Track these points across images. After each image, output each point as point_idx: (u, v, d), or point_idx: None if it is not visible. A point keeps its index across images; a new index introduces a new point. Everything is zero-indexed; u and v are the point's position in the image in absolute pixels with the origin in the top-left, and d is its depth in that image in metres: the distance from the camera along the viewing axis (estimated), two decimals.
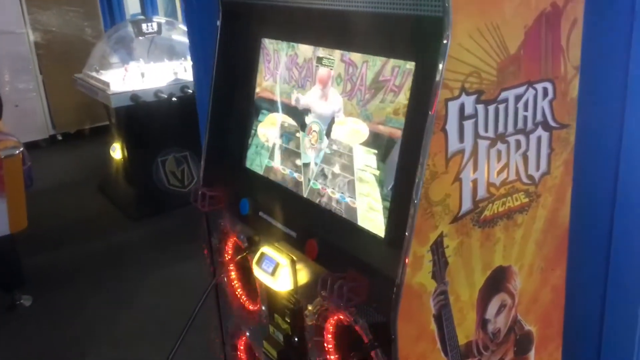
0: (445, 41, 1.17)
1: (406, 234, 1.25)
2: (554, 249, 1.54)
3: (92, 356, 2.91)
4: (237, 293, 2.00)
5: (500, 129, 1.33)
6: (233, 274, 2.00)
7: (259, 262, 1.70)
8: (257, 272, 1.71)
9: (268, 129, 1.86)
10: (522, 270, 1.49)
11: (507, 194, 1.39)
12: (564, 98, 1.41)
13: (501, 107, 1.31)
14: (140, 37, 4.54)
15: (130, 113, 4.24)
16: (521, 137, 1.37)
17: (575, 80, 1.42)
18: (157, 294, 3.36)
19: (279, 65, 1.80)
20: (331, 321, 1.55)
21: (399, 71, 1.40)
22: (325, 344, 1.57)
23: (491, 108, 1.30)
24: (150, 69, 4.53)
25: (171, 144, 4.45)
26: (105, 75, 4.44)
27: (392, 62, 1.42)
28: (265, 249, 1.70)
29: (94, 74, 4.54)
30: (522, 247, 1.47)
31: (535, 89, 1.35)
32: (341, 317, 1.49)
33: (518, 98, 1.33)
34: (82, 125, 6.35)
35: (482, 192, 1.34)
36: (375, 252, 1.43)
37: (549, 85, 1.37)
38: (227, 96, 1.98)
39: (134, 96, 4.11)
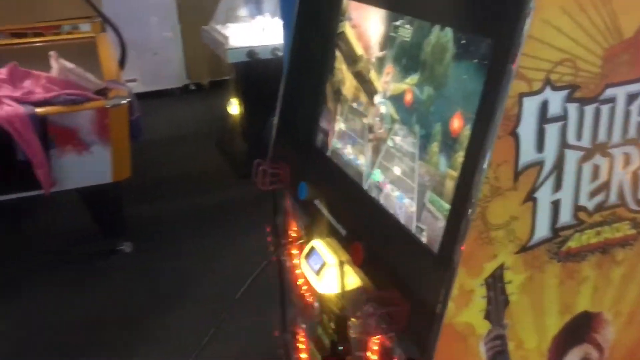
0: (526, 16, 0.87)
1: (452, 260, 0.98)
2: None
3: (177, 309, 2.92)
4: (295, 281, 1.82)
5: (601, 137, 1.00)
6: (295, 260, 1.82)
7: (307, 256, 1.50)
8: (304, 267, 1.52)
9: (340, 106, 1.63)
10: (617, 318, 1.16)
11: (603, 222, 1.06)
12: None
13: (605, 108, 0.98)
14: None
15: (246, 69, 4.14)
16: (632, 150, 1.03)
17: None
18: (249, 256, 3.30)
19: (358, 30, 1.55)
20: (374, 340, 1.32)
21: (477, 51, 1.10)
22: None
23: (589, 109, 0.97)
24: (274, 24, 4.40)
25: None
26: (228, 29, 4.37)
27: (470, 38, 1.12)
28: (316, 242, 1.50)
29: (218, 26, 4.50)
30: (620, 291, 1.13)
31: None
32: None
33: (632, 98, 0.99)
34: (215, 77, 6.44)
35: (566, 218, 1.03)
36: (425, 272, 1.17)
37: None
38: (305, 63, 1.77)
39: (251, 52, 4.01)
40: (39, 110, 2.81)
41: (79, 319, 2.84)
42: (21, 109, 2.78)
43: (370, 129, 1.45)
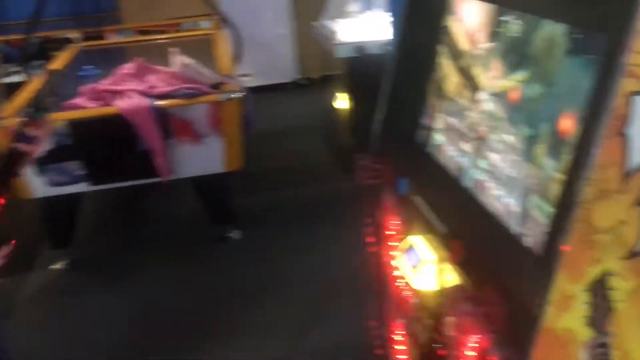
0: (637, 12, 0.82)
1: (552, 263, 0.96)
2: None
3: (279, 298, 3.01)
4: (392, 276, 1.83)
5: None
6: (393, 255, 1.83)
7: (405, 252, 1.51)
8: (402, 263, 1.53)
9: (442, 102, 1.61)
10: None
11: None
12: None
13: None
14: None
15: (355, 64, 4.17)
16: None
17: None
18: (351, 249, 3.33)
19: (463, 25, 1.53)
20: (471, 339, 1.31)
21: (588, 47, 1.05)
22: None
23: None
24: (383, 19, 4.40)
25: None
26: (338, 25, 4.43)
27: (581, 33, 1.07)
28: (415, 238, 1.50)
29: (328, 22, 4.56)
30: None
31: None
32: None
33: None
34: (326, 72, 6.54)
35: None
36: (525, 273, 1.14)
37: None
38: (409, 57, 1.77)
39: (359, 48, 4.03)
40: (159, 103, 3.00)
41: (189, 303, 3.00)
42: (144, 102, 2.98)
43: (473, 126, 1.42)
